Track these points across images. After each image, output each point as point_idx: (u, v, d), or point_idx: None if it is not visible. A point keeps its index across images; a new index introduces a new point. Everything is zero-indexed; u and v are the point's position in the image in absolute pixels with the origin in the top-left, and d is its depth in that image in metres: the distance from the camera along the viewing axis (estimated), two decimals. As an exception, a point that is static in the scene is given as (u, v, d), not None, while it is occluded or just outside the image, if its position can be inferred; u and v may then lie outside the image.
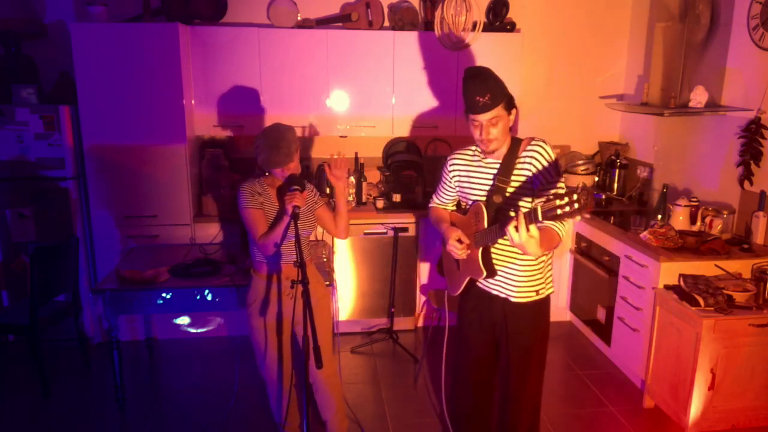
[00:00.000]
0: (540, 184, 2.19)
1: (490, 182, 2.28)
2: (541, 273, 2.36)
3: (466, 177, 2.38)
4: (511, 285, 2.34)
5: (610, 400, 3.45)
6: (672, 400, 3.10)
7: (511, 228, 1.93)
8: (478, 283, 2.41)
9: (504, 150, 2.26)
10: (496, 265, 2.29)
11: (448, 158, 2.45)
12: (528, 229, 1.91)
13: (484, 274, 2.24)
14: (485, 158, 2.32)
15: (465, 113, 2.24)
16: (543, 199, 1.85)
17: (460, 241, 2.29)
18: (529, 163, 2.21)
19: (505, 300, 2.36)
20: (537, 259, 2.32)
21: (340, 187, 2.63)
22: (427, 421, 3.25)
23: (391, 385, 3.61)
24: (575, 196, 1.74)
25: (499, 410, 2.58)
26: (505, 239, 2.09)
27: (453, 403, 2.71)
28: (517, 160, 2.24)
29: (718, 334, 2.87)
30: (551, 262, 2.43)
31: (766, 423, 3.05)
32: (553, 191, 1.90)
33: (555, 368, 3.85)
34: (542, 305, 2.41)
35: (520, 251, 2.13)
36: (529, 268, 2.32)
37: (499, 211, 2.23)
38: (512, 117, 2.26)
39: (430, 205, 2.63)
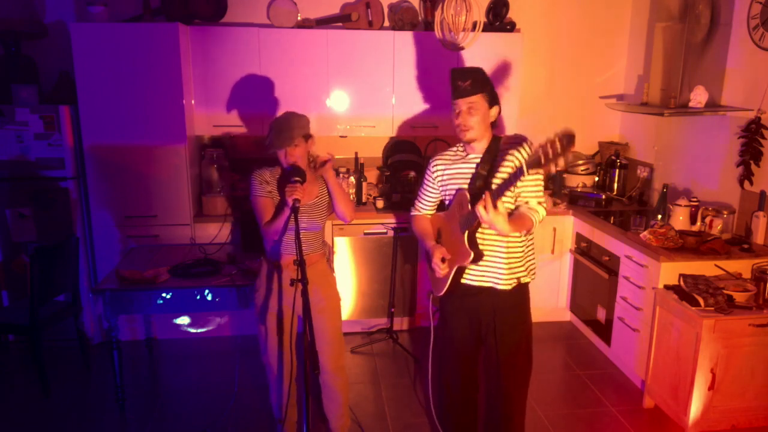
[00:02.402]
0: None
1: (473, 172, 2.36)
2: (520, 261, 2.42)
3: (449, 174, 2.45)
4: (495, 272, 2.39)
5: (610, 400, 3.45)
6: (672, 400, 3.10)
7: (480, 207, 2.07)
8: (462, 280, 2.43)
9: (485, 144, 2.36)
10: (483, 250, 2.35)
11: (431, 161, 2.52)
12: (495, 207, 2.07)
13: (472, 255, 2.28)
14: (468, 155, 2.40)
15: (451, 101, 2.33)
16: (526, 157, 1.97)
17: (443, 260, 2.38)
18: (512, 155, 2.29)
19: (490, 290, 2.41)
20: (520, 246, 2.40)
21: (326, 175, 2.62)
22: (427, 420, 3.25)
23: (391, 385, 3.61)
24: (557, 141, 1.83)
25: (487, 408, 2.61)
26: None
27: (440, 404, 2.73)
28: (499, 153, 2.33)
29: (718, 334, 2.86)
30: (533, 252, 2.48)
31: (766, 423, 3.05)
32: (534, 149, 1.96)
33: (555, 368, 3.85)
34: (524, 297, 2.48)
35: (504, 238, 2.31)
36: (511, 255, 2.38)
37: (482, 194, 2.28)
38: (493, 113, 2.34)
39: (412, 213, 2.66)
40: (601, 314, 3.93)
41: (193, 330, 4.18)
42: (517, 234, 2.34)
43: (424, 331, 4.31)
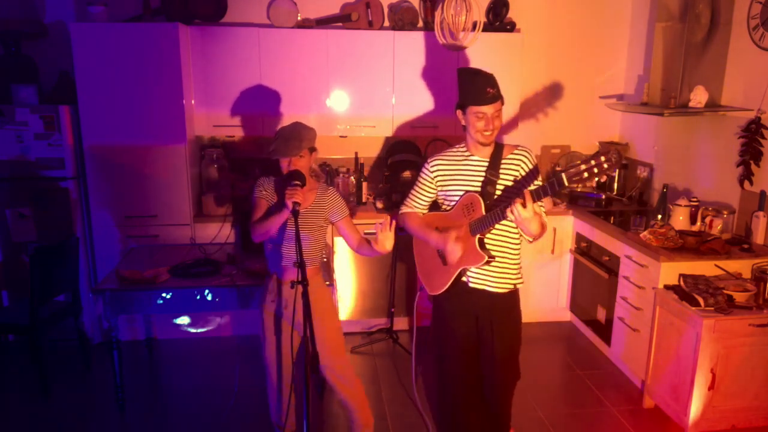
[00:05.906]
0: (526, 183, 2.36)
1: (480, 177, 2.39)
2: (516, 267, 2.50)
3: (451, 176, 2.45)
4: (493, 277, 2.45)
5: (610, 400, 3.45)
6: (672, 400, 3.10)
7: (517, 207, 2.10)
8: (462, 278, 2.47)
9: (491, 150, 2.40)
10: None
11: (429, 162, 2.51)
12: (531, 207, 2.11)
13: (486, 258, 2.34)
14: (471, 156, 2.42)
15: (463, 106, 2.34)
16: (565, 168, 2.05)
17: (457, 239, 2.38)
18: (517, 165, 2.38)
19: (488, 292, 2.46)
20: (517, 252, 2.48)
21: (386, 249, 2.50)
22: (426, 421, 3.25)
23: (391, 385, 3.61)
24: (603, 158, 1.95)
25: (486, 399, 2.63)
26: (501, 225, 2.34)
27: (444, 404, 2.69)
28: (503, 160, 2.39)
29: (718, 334, 2.87)
30: (520, 257, 2.53)
31: (766, 423, 3.05)
32: (578, 161, 2.05)
33: (555, 368, 3.85)
34: (516, 298, 2.55)
35: (504, 244, 2.40)
36: (508, 261, 2.45)
37: (493, 199, 2.35)
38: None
39: (403, 211, 2.64)
40: (601, 314, 3.93)
41: (193, 330, 4.18)
42: (518, 240, 2.45)
43: (424, 330, 4.31)
